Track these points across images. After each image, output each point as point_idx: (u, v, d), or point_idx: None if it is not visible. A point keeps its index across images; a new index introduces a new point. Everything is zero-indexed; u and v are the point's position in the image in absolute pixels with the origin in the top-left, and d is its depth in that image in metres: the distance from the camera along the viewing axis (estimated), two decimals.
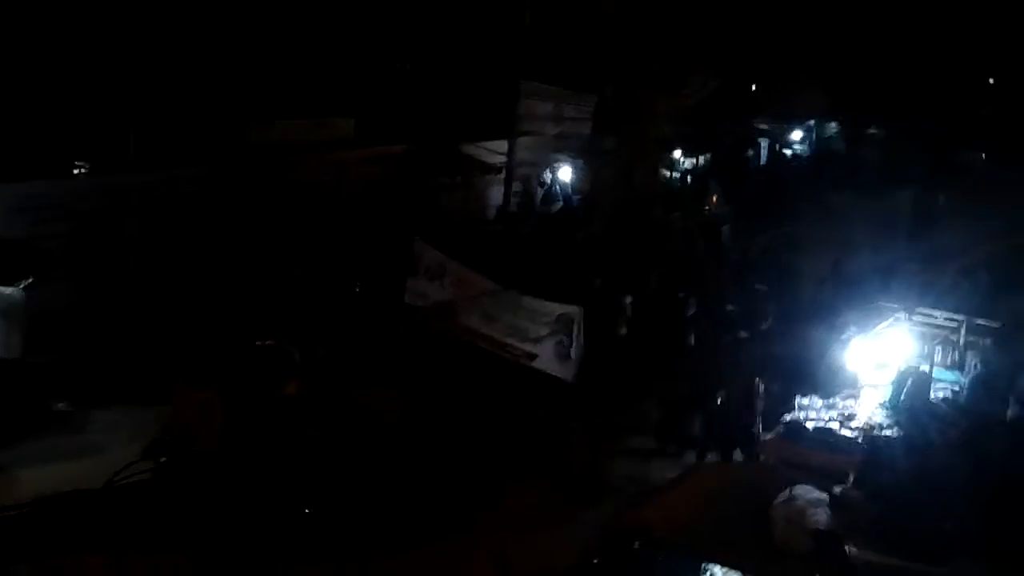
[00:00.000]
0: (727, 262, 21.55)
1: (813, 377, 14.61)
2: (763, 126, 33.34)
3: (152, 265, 17.83)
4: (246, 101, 20.74)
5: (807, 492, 9.89)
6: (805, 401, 14.12)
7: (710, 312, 18.04)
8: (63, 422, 14.22)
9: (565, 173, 26.27)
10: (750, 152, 32.69)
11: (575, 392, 15.57)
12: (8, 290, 14.33)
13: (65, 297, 16.01)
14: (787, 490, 9.88)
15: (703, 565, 9.53)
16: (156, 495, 11.11)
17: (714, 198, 26.68)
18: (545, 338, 15.59)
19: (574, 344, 15.70)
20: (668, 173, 29.42)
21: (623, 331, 18.15)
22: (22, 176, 16.96)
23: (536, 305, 15.80)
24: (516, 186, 23.72)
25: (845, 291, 17.97)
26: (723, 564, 9.59)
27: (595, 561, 10.19)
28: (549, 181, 26.07)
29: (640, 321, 18.31)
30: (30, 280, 14.33)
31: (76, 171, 18.81)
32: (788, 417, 13.79)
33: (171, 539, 10.17)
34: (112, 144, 18.58)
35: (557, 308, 15.74)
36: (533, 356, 15.63)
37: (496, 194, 23.67)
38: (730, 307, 18.15)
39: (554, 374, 15.46)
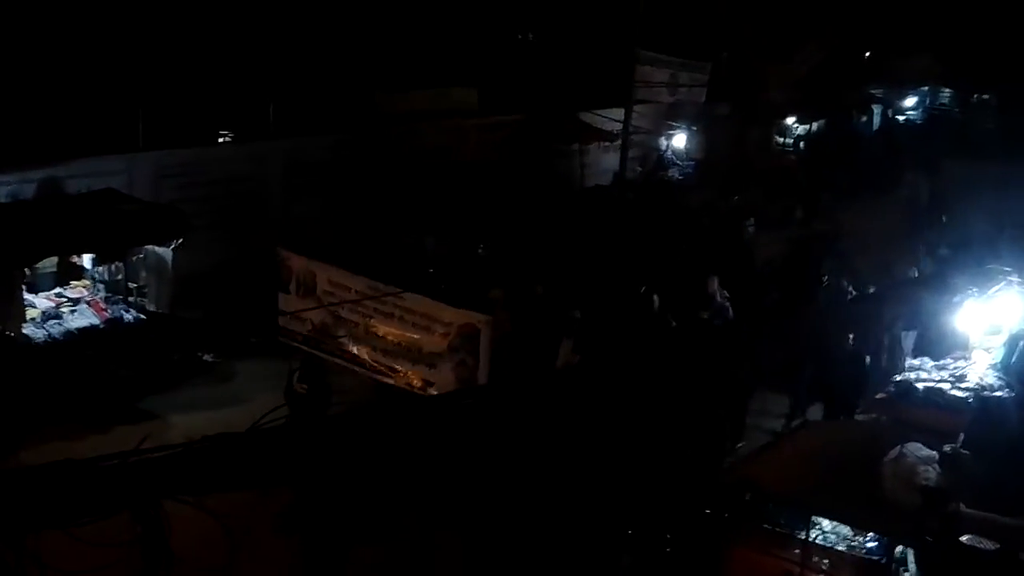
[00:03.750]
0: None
1: (922, 340, 14.69)
2: (876, 92, 32.94)
3: (290, 226, 18.67)
4: (375, 72, 21.37)
5: (917, 450, 10.11)
6: (916, 362, 14.13)
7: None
8: (210, 372, 15.30)
9: (680, 140, 26.50)
10: (863, 118, 32.41)
11: None
12: (159, 250, 15.26)
13: (210, 257, 16.88)
14: (897, 448, 10.10)
15: (812, 518, 9.79)
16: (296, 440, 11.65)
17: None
18: (443, 358, 12.14)
19: (479, 365, 12.07)
20: (781, 140, 29.43)
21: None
22: (172, 144, 17.79)
23: (430, 309, 12.29)
24: (632, 153, 23.97)
25: (958, 255, 17.88)
26: (831, 518, 9.87)
27: (707, 512, 10.61)
28: (664, 148, 26.35)
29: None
30: (179, 241, 15.11)
31: (220, 139, 19.73)
32: (899, 377, 13.79)
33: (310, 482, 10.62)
34: (253, 114, 19.36)
35: (457, 315, 12.18)
36: (429, 383, 12.38)
37: (612, 161, 24.00)
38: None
39: None
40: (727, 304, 14.78)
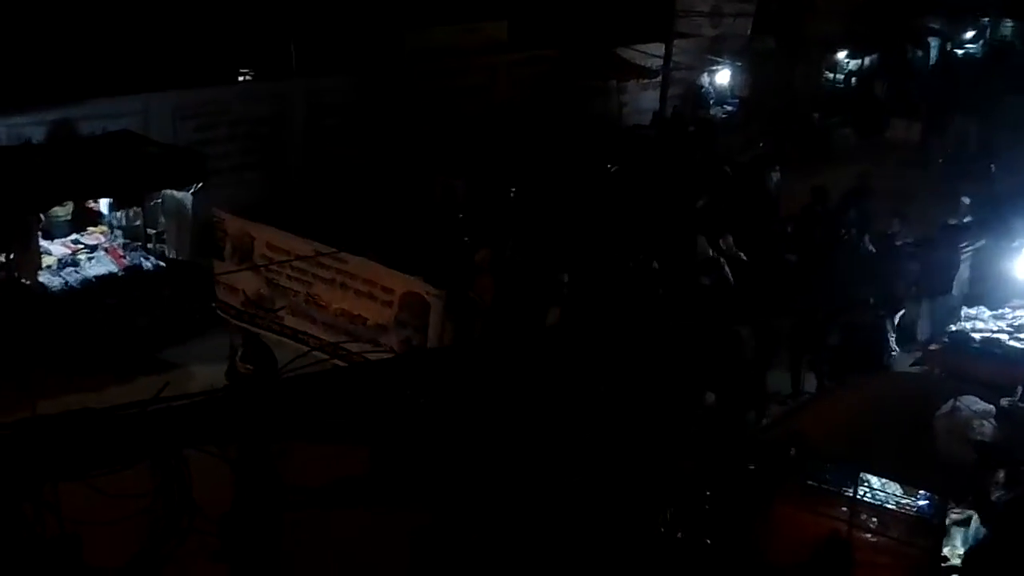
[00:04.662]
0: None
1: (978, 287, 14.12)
2: (933, 25, 31.81)
3: (313, 169, 18.28)
4: (401, 7, 20.81)
5: (972, 403, 9.70)
6: (972, 311, 13.70)
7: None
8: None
9: (723, 77, 25.67)
10: (919, 53, 31.33)
11: None
12: (178, 194, 14.87)
13: (231, 202, 16.51)
14: (951, 401, 9.68)
15: (860, 475, 9.39)
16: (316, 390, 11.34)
17: None
18: (387, 333, 10.85)
19: (427, 344, 10.78)
20: (831, 75, 28.48)
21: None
22: (190, 83, 17.34)
23: (374, 274, 11.04)
24: (672, 90, 23.25)
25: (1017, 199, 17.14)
26: (880, 475, 9.48)
27: (751, 468, 10.19)
28: (706, 85, 25.54)
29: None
30: (199, 185, 14.69)
31: (241, 78, 19.24)
32: (954, 327, 13.39)
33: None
34: (274, 52, 18.91)
35: (402, 281, 10.93)
36: None
37: (651, 99, 23.31)
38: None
39: None
40: (725, 268, 13.78)
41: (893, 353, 14.01)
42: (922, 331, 14.74)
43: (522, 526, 9.95)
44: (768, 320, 12.34)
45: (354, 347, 9.74)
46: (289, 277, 11.60)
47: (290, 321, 11.64)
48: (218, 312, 12.51)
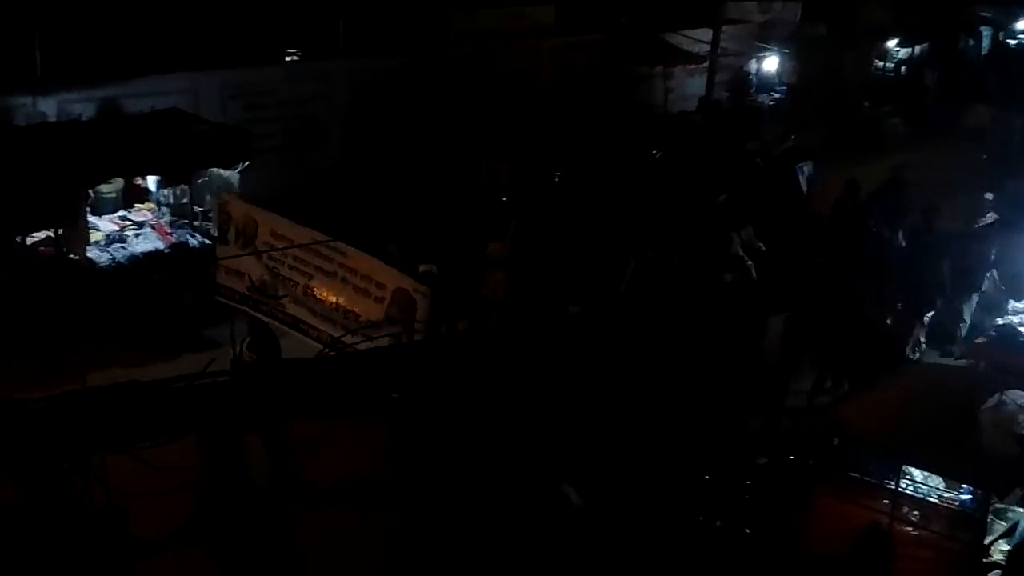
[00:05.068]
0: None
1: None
2: (986, 13, 31.28)
3: (358, 150, 18.30)
4: None
5: (1018, 397, 9.55)
6: (1020, 304, 13.50)
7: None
8: None
9: (770, 63, 25.41)
10: (971, 41, 30.82)
11: None
12: (225, 173, 14.94)
13: (277, 181, 16.52)
14: (997, 395, 9.56)
15: (903, 467, 9.32)
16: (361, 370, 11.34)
17: None
18: (377, 329, 10.46)
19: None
20: (881, 64, 28.10)
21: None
22: (238, 63, 17.38)
23: (372, 270, 10.78)
24: (720, 76, 23.05)
25: None
26: (923, 467, 9.40)
27: (791, 457, 10.13)
28: (753, 72, 25.29)
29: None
30: (246, 164, 14.75)
31: (288, 58, 19.27)
32: (1001, 320, 13.21)
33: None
34: (322, 32, 18.90)
35: (393, 278, 10.61)
36: None
37: (698, 85, 23.13)
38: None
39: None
40: (748, 264, 13.53)
41: (918, 352, 13.74)
42: (957, 327, 14.40)
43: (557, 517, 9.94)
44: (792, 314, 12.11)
45: (349, 340, 9.59)
46: (290, 267, 11.35)
47: (291, 309, 11.41)
48: (219, 299, 12.09)
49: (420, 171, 17.47)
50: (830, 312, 12.64)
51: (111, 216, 14.85)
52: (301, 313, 11.26)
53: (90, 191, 14.42)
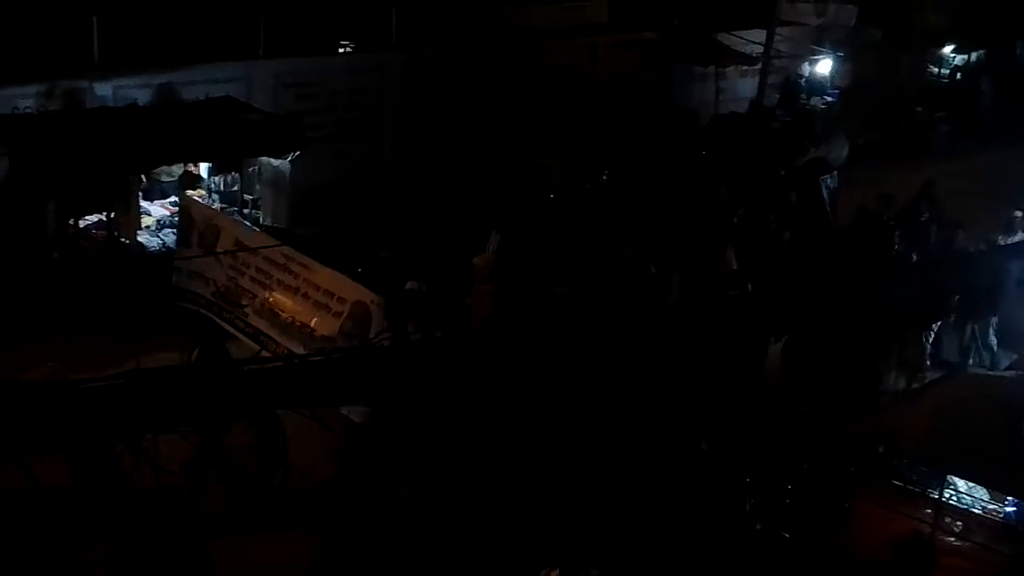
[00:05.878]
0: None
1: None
2: None
3: (409, 142, 18.35)
4: None
5: None
6: None
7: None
8: None
9: (824, 67, 25.17)
10: None
11: None
12: (276, 162, 15.12)
13: (327, 172, 16.64)
14: None
15: (947, 477, 9.29)
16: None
17: None
18: (333, 343, 10.02)
19: None
20: (936, 70, 27.75)
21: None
22: (291, 53, 17.43)
23: (332, 283, 10.53)
24: (773, 79, 22.88)
25: None
26: (968, 478, 9.37)
27: (835, 462, 10.06)
28: (805, 74, 25.07)
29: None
30: (297, 153, 14.88)
31: (341, 50, 19.33)
32: None
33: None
34: (375, 24, 18.93)
35: (353, 290, 10.38)
36: None
37: (750, 86, 22.97)
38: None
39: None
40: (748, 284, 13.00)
41: (923, 375, 13.31)
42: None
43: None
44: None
45: (302, 353, 8.98)
46: (252, 279, 11.13)
47: (253, 320, 11.13)
48: (182, 304, 11.81)
49: (468, 166, 17.48)
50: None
51: (163, 201, 15.01)
52: (262, 325, 11.05)
53: (143, 176, 14.59)
